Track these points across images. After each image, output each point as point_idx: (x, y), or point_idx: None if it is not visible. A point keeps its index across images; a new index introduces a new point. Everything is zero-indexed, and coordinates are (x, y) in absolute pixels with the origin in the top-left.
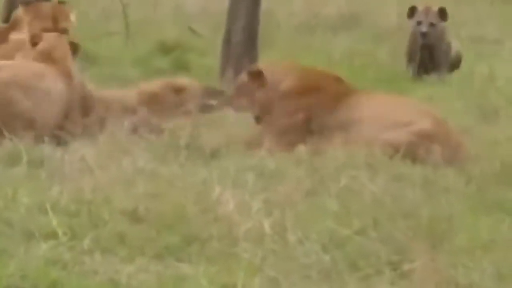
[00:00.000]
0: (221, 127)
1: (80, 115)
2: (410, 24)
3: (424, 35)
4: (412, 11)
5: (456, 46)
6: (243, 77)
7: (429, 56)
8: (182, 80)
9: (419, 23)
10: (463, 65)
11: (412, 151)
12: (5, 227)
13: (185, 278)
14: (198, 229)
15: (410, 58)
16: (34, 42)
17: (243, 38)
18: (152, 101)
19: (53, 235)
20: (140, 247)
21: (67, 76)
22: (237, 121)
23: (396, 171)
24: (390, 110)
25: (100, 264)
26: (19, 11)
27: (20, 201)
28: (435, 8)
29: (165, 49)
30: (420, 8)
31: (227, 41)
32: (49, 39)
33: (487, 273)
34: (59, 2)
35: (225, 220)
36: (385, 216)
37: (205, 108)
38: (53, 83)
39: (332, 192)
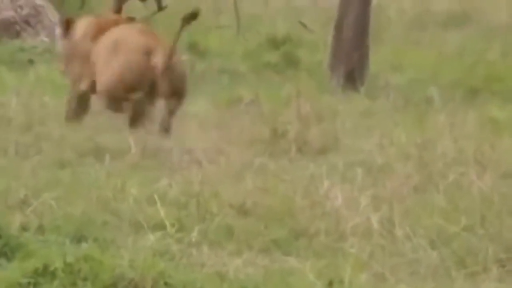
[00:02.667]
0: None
1: None
2: None
3: None
4: None
5: None
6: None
7: None
8: None
9: None
10: None
11: None
12: (114, 218)
13: (292, 272)
14: (305, 223)
15: None
16: None
17: (353, 34)
18: None
19: (161, 226)
20: (248, 241)
21: None
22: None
23: (505, 169)
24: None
25: (208, 257)
26: None
27: (129, 192)
28: None
29: (275, 43)
30: None
31: (337, 36)
32: None
33: None
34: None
35: (333, 215)
36: (493, 214)
37: None
38: None
39: (440, 188)
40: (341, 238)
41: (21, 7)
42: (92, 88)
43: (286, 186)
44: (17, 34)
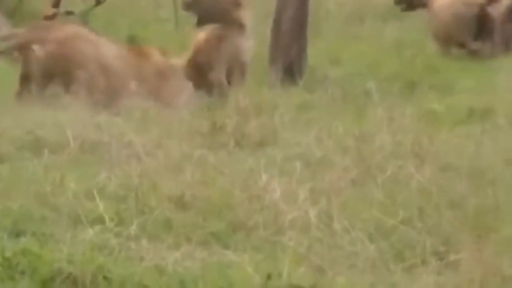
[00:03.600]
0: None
1: None
2: None
3: None
4: None
5: None
6: None
7: None
8: None
9: None
10: (510, 56)
11: None
12: (52, 212)
13: (231, 265)
14: (244, 216)
15: None
16: None
17: (292, 27)
18: None
19: (100, 220)
20: (186, 234)
21: None
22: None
23: (443, 161)
24: None
25: (146, 250)
26: None
27: (68, 186)
28: None
29: None
30: None
31: (276, 30)
32: None
33: None
34: None
35: (272, 208)
36: (431, 206)
37: None
38: None
39: (379, 181)
40: (279, 231)
41: None
42: None
43: (225, 179)
44: None
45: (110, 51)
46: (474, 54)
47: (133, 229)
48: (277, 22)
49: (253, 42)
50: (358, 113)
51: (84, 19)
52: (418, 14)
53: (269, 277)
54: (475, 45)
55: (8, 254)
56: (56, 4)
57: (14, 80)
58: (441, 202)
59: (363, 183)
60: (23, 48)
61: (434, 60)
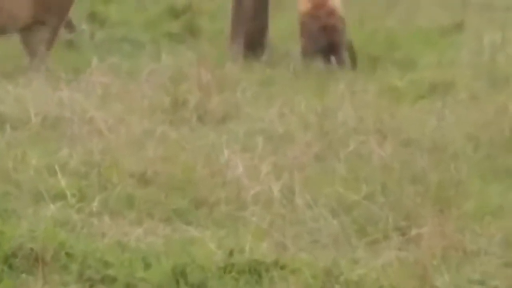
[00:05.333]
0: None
1: None
2: None
3: None
4: None
5: None
6: None
7: None
8: None
9: None
10: (472, 31)
11: None
12: (14, 188)
13: (193, 241)
14: (206, 192)
15: None
16: None
17: (253, 3)
18: None
19: (62, 196)
20: (149, 210)
21: None
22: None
23: (405, 136)
24: None
25: (109, 227)
26: None
27: (29, 162)
28: None
29: (176, 12)
30: None
31: (237, 5)
32: None
33: (495, 239)
34: None
35: (234, 183)
36: (393, 182)
37: None
38: None
39: (341, 157)
40: (241, 207)
41: None
42: None
43: (187, 155)
44: None
45: None
46: None
47: (95, 205)
48: None
49: None
50: (320, 88)
51: None
52: None
53: (231, 253)
54: None
55: None
56: None
57: None
58: (403, 177)
59: (326, 159)
60: None
61: (396, 35)
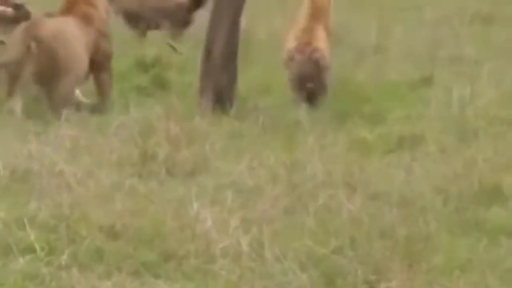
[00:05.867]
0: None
1: None
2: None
3: None
4: None
5: None
6: None
7: None
8: None
9: None
10: (441, 85)
11: None
12: None
13: None
14: (175, 246)
15: None
16: None
17: (222, 56)
18: None
19: (31, 250)
20: (117, 263)
21: None
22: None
23: (374, 190)
24: None
25: (77, 280)
26: None
27: None
28: None
29: (145, 66)
30: None
31: (206, 58)
32: None
33: None
34: None
35: (203, 237)
36: (362, 235)
37: None
38: None
39: (310, 210)
40: (211, 260)
41: None
42: None
43: (156, 208)
44: None
45: None
46: None
47: (64, 258)
48: (207, 51)
49: None
50: (288, 141)
51: None
52: (352, 48)
53: None
54: None
55: None
56: None
57: None
58: (372, 231)
59: (295, 212)
60: None
61: (364, 89)
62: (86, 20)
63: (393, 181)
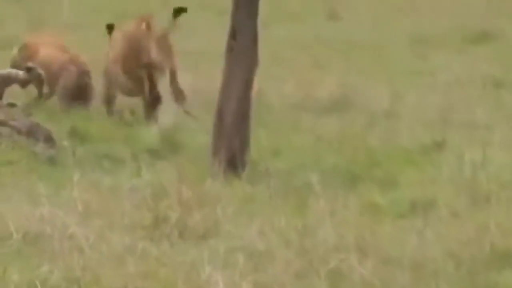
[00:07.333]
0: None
1: None
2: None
3: None
4: None
5: None
6: None
7: None
8: None
9: None
10: (453, 149)
11: None
12: None
13: None
14: None
15: None
16: None
17: (234, 119)
18: None
19: None
20: None
21: None
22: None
23: (386, 254)
24: None
25: None
26: None
27: (10, 278)
28: None
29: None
30: None
31: (219, 122)
32: None
33: None
34: None
35: None
36: None
37: None
38: None
39: (322, 275)
40: None
41: None
42: None
43: (168, 271)
44: None
45: None
46: None
47: None
48: (219, 114)
49: None
50: (300, 205)
51: (27, 111)
52: (363, 112)
53: None
54: None
55: None
56: None
57: None
58: None
59: (306, 276)
60: None
61: (377, 153)
62: None
63: (405, 245)
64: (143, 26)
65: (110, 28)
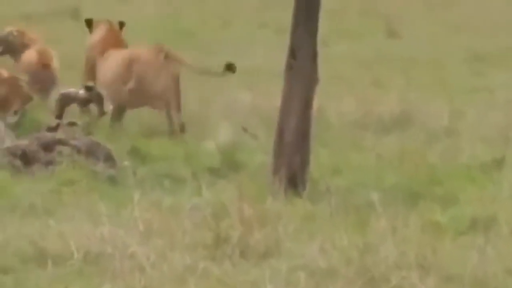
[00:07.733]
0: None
1: None
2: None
3: None
4: None
5: None
6: None
7: None
8: None
9: None
10: None
11: None
12: None
13: None
14: None
15: None
16: None
17: (295, 137)
18: None
19: None
20: None
21: None
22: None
23: (447, 272)
24: None
25: None
26: None
27: None
28: None
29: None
30: None
31: (279, 140)
32: None
33: None
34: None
35: None
36: None
37: None
38: None
39: None
40: None
41: None
42: None
43: None
44: None
45: None
46: None
47: None
48: (280, 133)
49: None
50: (361, 223)
51: (87, 130)
52: (423, 130)
53: None
54: None
55: None
56: (59, 116)
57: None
58: None
59: None
60: None
61: (437, 171)
62: None
63: (466, 262)
64: (161, 56)
65: (89, 23)
